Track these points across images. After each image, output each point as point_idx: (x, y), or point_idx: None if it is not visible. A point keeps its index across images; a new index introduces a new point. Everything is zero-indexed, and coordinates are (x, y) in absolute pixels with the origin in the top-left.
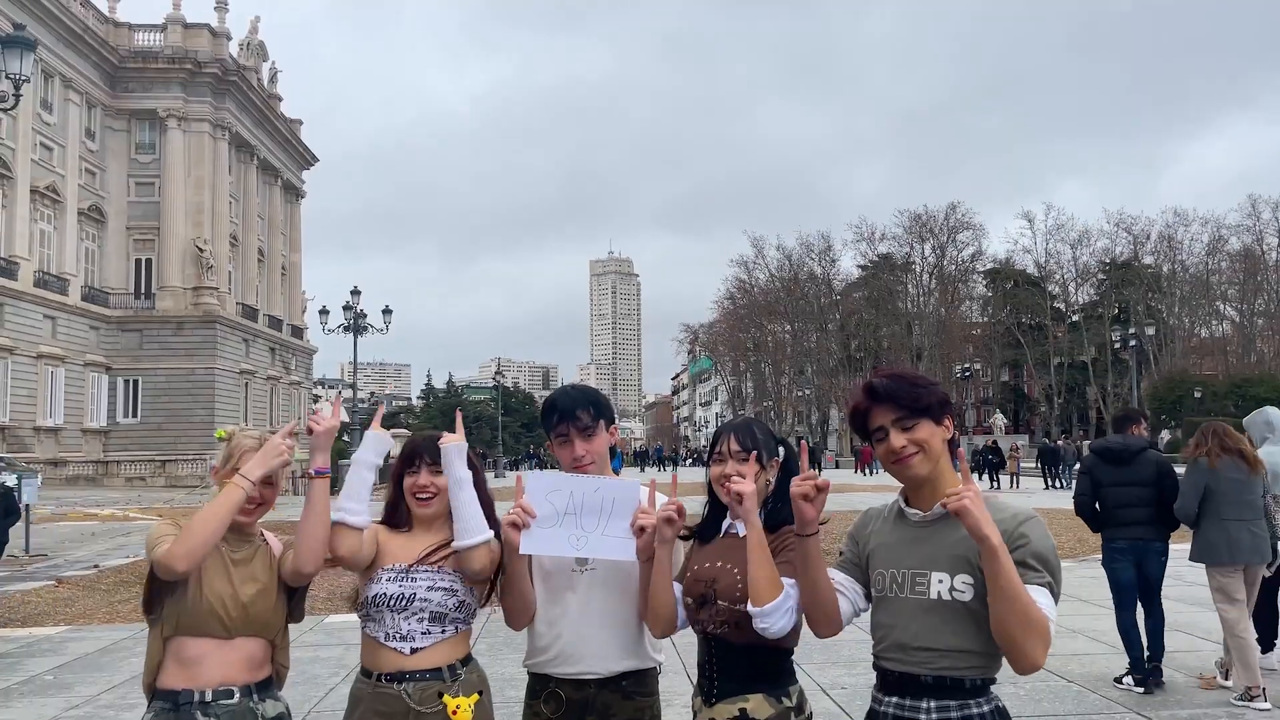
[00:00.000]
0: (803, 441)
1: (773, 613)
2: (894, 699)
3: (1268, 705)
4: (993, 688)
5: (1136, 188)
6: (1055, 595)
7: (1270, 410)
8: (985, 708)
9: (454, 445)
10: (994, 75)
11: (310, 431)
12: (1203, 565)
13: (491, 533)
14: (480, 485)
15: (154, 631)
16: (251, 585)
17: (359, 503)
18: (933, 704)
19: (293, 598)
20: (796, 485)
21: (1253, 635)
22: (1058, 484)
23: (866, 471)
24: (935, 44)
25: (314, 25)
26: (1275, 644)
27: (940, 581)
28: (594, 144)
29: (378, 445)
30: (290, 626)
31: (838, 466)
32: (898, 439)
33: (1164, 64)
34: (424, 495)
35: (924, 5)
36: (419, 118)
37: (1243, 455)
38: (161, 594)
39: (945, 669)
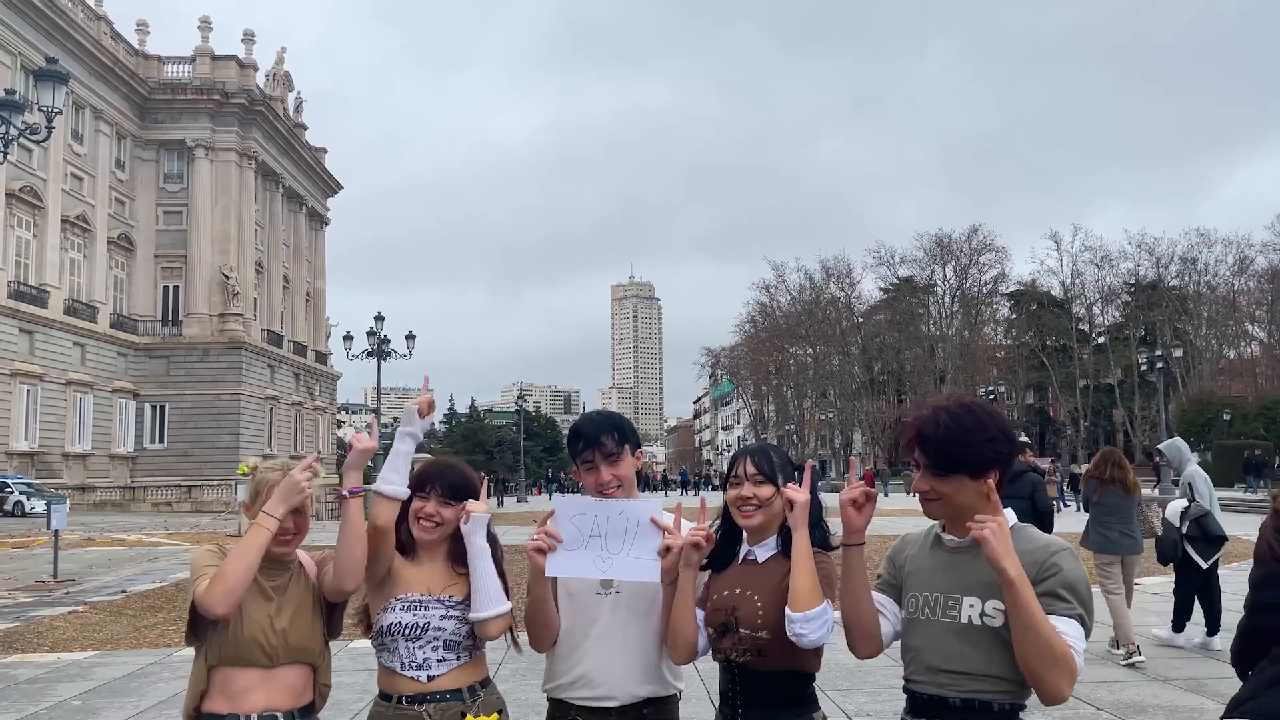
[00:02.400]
0: (853, 458)
1: (814, 619)
2: None
3: (1143, 659)
4: (1022, 713)
5: (1183, 213)
6: (1086, 626)
7: (1176, 440)
8: None
9: (479, 516)
10: (1045, 107)
11: (349, 449)
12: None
13: (509, 605)
14: (498, 560)
15: (198, 659)
16: (289, 611)
17: (397, 473)
18: None
19: (331, 614)
20: (846, 492)
21: (1125, 606)
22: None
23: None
24: (988, 77)
25: (385, 66)
26: (1219, 628)
27: (971, 606)
28: (647, 176)
29: (412, 416)
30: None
31: None
32: (923, 483)
33: (1209, 89)
34: (429, 522)
35: (979, 40)
36: (479, 151)
37: (1124, 482)
38: (203, 624)
39: (973, 692)
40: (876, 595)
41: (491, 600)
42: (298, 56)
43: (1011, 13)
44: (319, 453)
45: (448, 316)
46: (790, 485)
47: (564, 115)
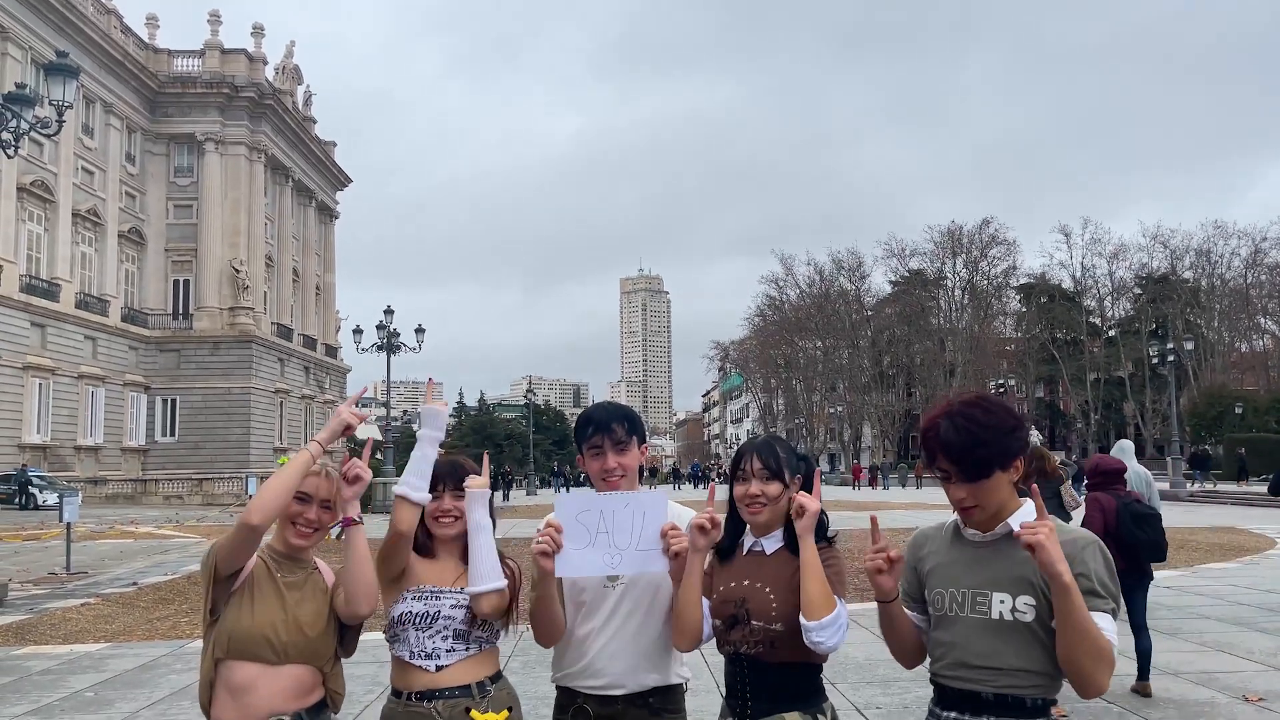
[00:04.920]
0: (873, 516)
1: (829, 626)
2: (953, 714)
3: None
4: (1053, 708)
5: (1213, 214)
6: (1116, 618)
7: (1124, 441)
8: None
9: (478, 491)
10: (1083, 111)
11: (346, 479)
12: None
13: (505, 581)
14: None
15: (206, 649)
16: (302, 610)
17: (420, 478)
18: None
19: (346, 630)
20: (869, 559)
21: None
22: None
23: (858, 486)
24: (1029, 82)
25: (439, 74)
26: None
27: (1002, 602)
28: (686, 179)
29: (435, 419)
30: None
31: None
32: (958, 491)
33: (1239, 93)
34: (447, 518)
35: (1021, 47)
36: (522, 153)
37: (1045, 471)
38: (217, 597)
39: (1007, 687)
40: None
41: (486, 575)
42: (356, 60)
43: (1052, 20)
44: (365, 388)
45: (468, 312)
46: (801, 493)
47: (605, 121)
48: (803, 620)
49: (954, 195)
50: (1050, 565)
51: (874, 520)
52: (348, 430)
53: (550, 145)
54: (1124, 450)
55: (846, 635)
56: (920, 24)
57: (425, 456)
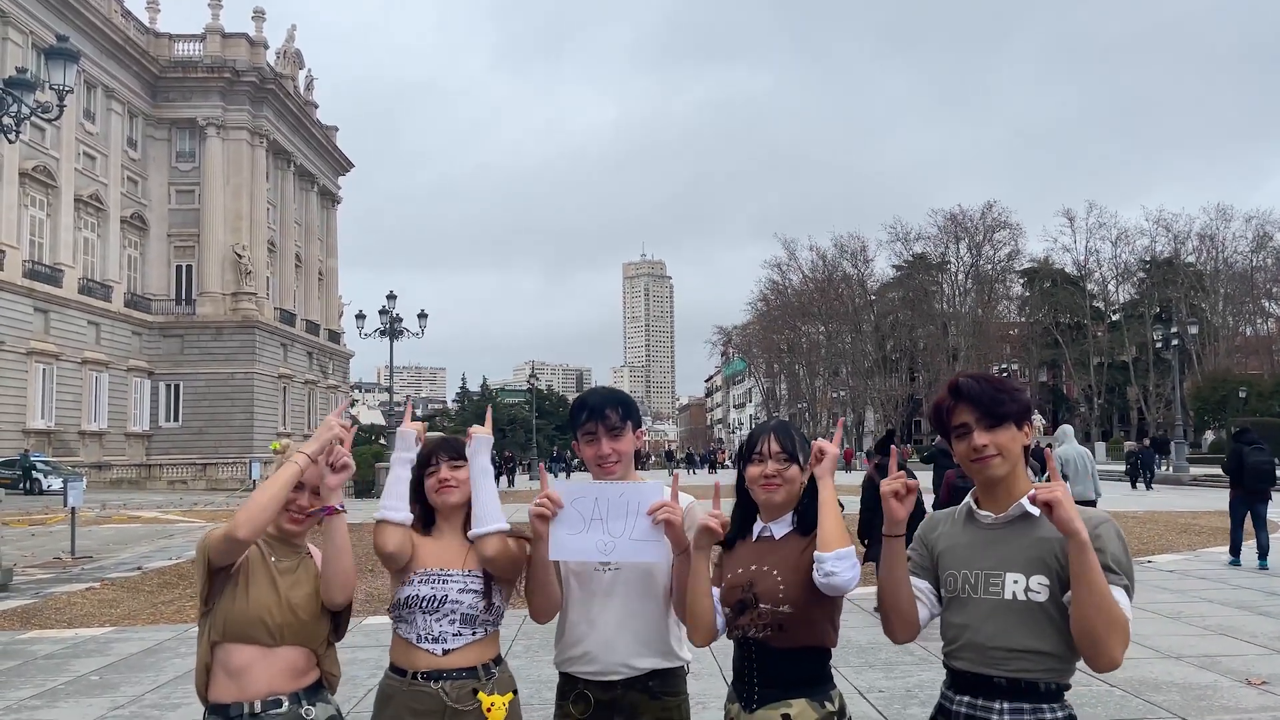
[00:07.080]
0: (894, 447)
1: (845, 558)
2: (966, 698)
3: None
4: (1066, 694)
5: (1235, 202)
6: (1131, 596)
7: (1064, 426)
8: (1059, 714)
9: (482, 438)
10: (1118, 98)
11: (333, 467)
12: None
13: (506, 524)
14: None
15: (202, 634)
16: (296, 593)
17: (399, 499)
18: (1006, 706)
19: (336, 617)
20: (888, 483)
21: None
22: (1148, 486)
23: (850, 469)
24: (1065, 69)
25: (486, 64)
26: None
27: (1015, 582)
28: (716, 169)
29: (406, 441)
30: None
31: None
32: (980, 438)
33: (1265, 84)
34: (446, 489)
35: (1058, 39)
36: (558, 142)
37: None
38: (214, 587)
39: (1020, 671)
40: (912, 580)
41: (490, 517)
42: (400, 48)
43: (1089, 12)
44: (351, 399)
45: (487, 298)
46: (818, 439)
47: (641, 111)
48: (817, 553)
49: (980, 184)
50: (1067, 522)
51: (894, 450)
52: (332, 435)
53: (583, 136)
54: (1065, 434)
55: (858, 578)
56: (962, 16)
57: (400, 478)
